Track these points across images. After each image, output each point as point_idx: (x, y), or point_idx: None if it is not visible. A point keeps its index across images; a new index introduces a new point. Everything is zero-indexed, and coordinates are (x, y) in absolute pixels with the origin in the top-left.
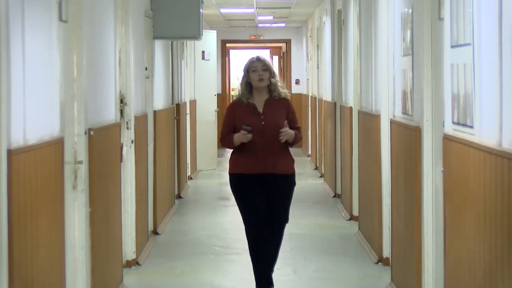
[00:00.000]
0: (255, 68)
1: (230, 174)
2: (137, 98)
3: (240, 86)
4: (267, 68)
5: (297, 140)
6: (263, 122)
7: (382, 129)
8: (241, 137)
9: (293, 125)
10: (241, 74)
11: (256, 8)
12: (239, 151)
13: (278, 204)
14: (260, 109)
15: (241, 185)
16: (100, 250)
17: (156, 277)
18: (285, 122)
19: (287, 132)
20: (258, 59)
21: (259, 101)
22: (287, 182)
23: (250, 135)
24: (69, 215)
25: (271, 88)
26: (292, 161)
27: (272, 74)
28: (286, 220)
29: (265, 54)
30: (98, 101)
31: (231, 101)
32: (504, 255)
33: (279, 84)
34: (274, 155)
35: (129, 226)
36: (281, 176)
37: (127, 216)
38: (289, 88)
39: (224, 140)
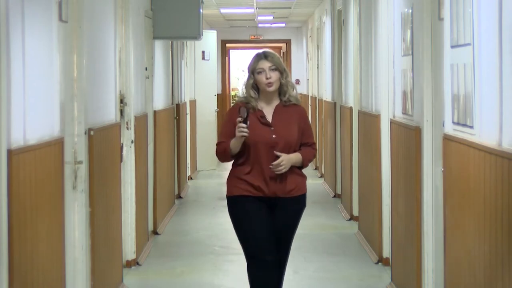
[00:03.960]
0: (260, 69)
1: (227, 197)
2: (137, 98)
3: (243, 89)
4: (276, 67)
5: (307, 163)
6: (274, 136)
7: (382, 129)
8: (236, 136)
9: (306, 141)
10: (241, 74)
11: (256, 8)
12: (240, 168)
13: (282, 234)
14: (269, 118)
15: (241, 209)
16: (100, 250)
17: (156, 277)
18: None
19: (285, 162)
20: (265, 56)
21: (267, 107)
22: (297, 207)
23: (246, 130)
24: (69, 215)
25: (281, 89)
26: (304, 178)
27: (283, 73)
28: (286, 254)
29: None
30: (98, 101)
31: (231, 102)
32: (504, 255)
33: (290, 85)
34: (283, 176)
35: (129, 226)
36: (291, 200)
37: (127, 216)
38: None
39: (217, 150)
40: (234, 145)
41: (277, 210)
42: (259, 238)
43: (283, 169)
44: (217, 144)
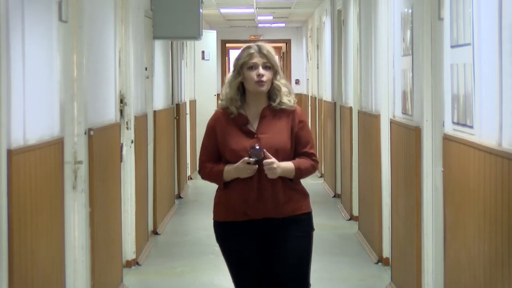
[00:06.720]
0: (253, 64)
1: (213, 221)
2: (137, 98)
3: (226, 88)
4: (271, 65)
5: (299, 174)
6: (257, 145)
7: (382, 129)
8: (241, 171)
9: (302, 150)
10: None
11: (256, 8)
12: (224, 187)
13: (288, 266)
14: (254, 125)
15: (228, 238)
16: (100, 250)
17: (156, 277)
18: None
19: (274, 167)
20: (260, 49)
21: (253, 111)
22: (299, 227)
23: (255, 167)
24: (69, 215)
25: (272, 92)
26: (304, 195)
27: (277, 74)
28: None
29: None
30: (98, 101)
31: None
32: (504, 255)
33: (283, 88)
34: (274, 191)
35: (129, 226)
36: (288, 220)
37: (127, 216)
38: None
39: (204, 172)
40: (231, 177)
41: (273, 237)
42: (248, 272)
43: (271, 172)
44: (201, 163)
